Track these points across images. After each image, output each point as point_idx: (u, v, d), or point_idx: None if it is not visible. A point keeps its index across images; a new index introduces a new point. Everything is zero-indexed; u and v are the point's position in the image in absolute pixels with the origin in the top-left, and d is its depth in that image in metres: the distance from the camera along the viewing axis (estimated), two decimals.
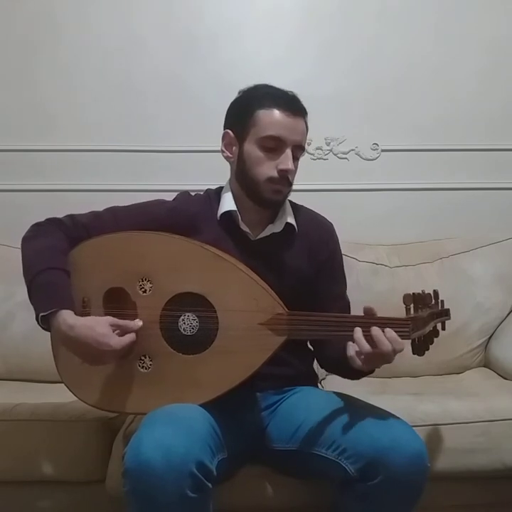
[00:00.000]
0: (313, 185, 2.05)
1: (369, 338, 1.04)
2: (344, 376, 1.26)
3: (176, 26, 2.10)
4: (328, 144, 2.14)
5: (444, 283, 1.89)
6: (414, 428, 1.09)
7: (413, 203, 2.16)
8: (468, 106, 2.14)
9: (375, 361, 1.06)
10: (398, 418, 1.11)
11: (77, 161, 2.11)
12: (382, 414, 1.12)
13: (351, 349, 1.06)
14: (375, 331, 1.04)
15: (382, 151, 2.15)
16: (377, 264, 1.94)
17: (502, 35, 2.14)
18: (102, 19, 2.09)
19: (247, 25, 2.10)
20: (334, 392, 1.25)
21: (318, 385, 1.41)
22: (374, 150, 2.15)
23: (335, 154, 2.15)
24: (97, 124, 2.11)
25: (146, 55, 2.10)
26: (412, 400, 1.44)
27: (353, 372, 1.15)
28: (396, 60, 2.13)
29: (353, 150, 2.15)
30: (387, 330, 1.04)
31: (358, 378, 1.23)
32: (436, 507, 1.35)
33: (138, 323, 1.15)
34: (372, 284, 1.89)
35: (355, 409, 1.15)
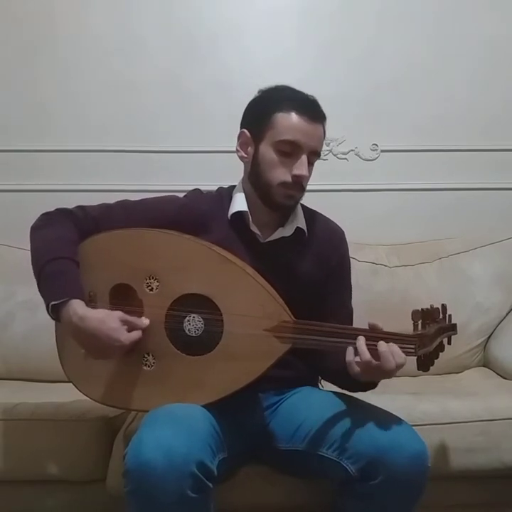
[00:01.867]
0: (313, 186, 2.01)
1: (373, 350, 1.03)
2: (342, 387, 1.25)
3: (176, 26, 2.10)
4: (327, 145, 2.14)
5: (444, 283, 1.89)
6: (413, 428, 1.09)
7: (413, 203, 2.16)
8: (467, 106, 2.14)
9: (375, 374, 1.05)
10: (399, 418, 1.11)
11: (77, 161, 2.11)
12: (382, 414, 1.12)
13: (350, 354, 1.06)
14: (382, 346, 1.03)
15: (382, 151, 2.15)
16: (376, 264, 1.94)
17: (501, 35, 2.13)
18: (102, 19, 2.09)
19: (247, 25, 2.10)
20: (335, 392, 1.25)
21: (319, 385, 1.41)
22: (373, 150, 2.15)
23: (334, 155, 2.15)
24: (97, 124, 2.11)
25: (146, 55, 2.10)
26: (411, 399, 1.44)
27: (351, 383, 1.14)
28: (396, 60, 2.13)
29: (352, 150, 2.15)
30: (390, 344, 1.04)
31: (356, 391, 1.22)
32: (436, 506, 1.35)
33: (145, 321, 1.14)
34: (371, 284, 1.89)
35: (356, 409, 1.15)
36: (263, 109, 1.22)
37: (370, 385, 1.17)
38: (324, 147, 2.11)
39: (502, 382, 1.75)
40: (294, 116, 1.18)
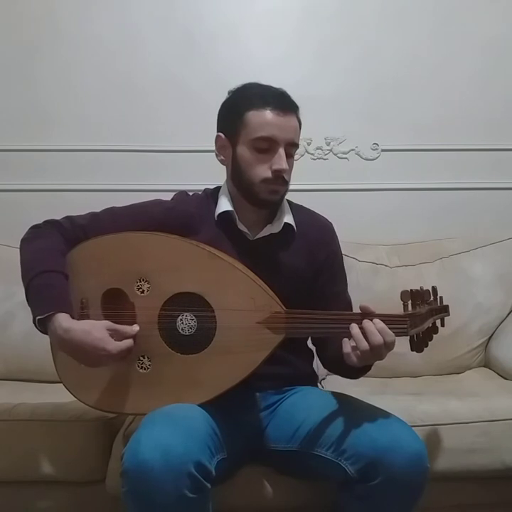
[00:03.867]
0: (313, 185, 2.05)
1: (363, 332, 1.04)
2: (344, 376, 1.26)
3: (176, 26, 2.10)
4: (328, 144, 2.14)
5: (444, 283, 1.88)
6: (414, 428, 1.09)
7: (413, 203, 2.16)
8: (468, 106, 2.14)
9: (368, 356, 1.05)
10: (398, 418, 1.11)
11: (77, 161, 2.11)
12: (382, 415, 1.12)
13: (347, 346, 1.06)
14: (366, 323, 1.04)
15: (382, 151, 2.15)
16: (377, 264, 1.94)
17: (502, 34, 2.13)
18: (102, 19, 2.09)
19: (247, 25, 2.10)
20: (334, 393, 1.25)
21: (318, 385, 1.41)
22: (374, 150, 2.15)
23: (335, 154, 2.15)
24: (97, 123, 2.11)
25: (146, 55, 2.10)
26: (412, 399, 1.44)
27: (351, 371, 1.15)
28: (396, 59, 2.13)
29: (353, 150, 2.15)
30: (376, 321, 1.04)
31: (357, 377, 1.22)
32: (436, 507, 1.35)
33: (134, 328, 1.14)
34: (372, 284, 1.89)
35: (355, 410, 1.15)
36: (234, 110, 1.22)
37: (366, 369, 1.18)
38: (325, 146, 2.14)
39: (503, 382, 1.74)
40: (265, 112, 1.18)
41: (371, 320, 1.05)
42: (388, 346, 1.04)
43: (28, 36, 2.09)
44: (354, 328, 1.05)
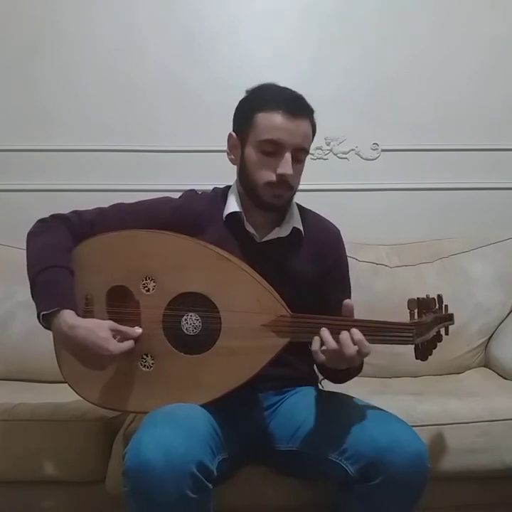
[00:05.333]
0: (313, 185, 2.05)
1: (337, 338, 1.04)
2: (329, 379, 1.26)
3: (176, 26, 2.10)
4: (328, 144, 2.14)
5: (444, 283, 1.89)
6: (414, 428, 1.09)
7: (413, 203, 2.16)
8: (468, 106, 2.14)
9: (339, 361, 1.05)
10: (398, 418, 1.11)
11: (77, 161, 2.11)
12: (382, 415, 1.12)
13: (316, 343, 1.05)
14: (343, 334, 1.04)
15: (382, 151, 2.15)
16: (377, 264, 1.94)
17: (502, 34, 2.13)
18: (103, 19, 2.09)
19: (247, 25, 2.10)
20: (334, 393, 1.26)
21: (319, 385, 1.41)
22: (374, 150, 2.15)
23: (335, 154, 2.15)
24: (97, 123, 2.11)
25: (146, 55, 2.10)
26: (412, 399, 1.44)
27: (330, 373, 1.15)
28: (396, 59, 2.13)
29: (353, 150, 2.15)
30: (354, 331, 1.03)
31: (341, 382, 1.23)
32: (436, 507, 1.35)
33: (137, 330, 1.14)
34: (372, 284, 1.89)
35: (356, 410, 1.15)
36: (246, 110, 1.21)
37: (350, 376, 1.19)
38: (325, 146, 2.14)
39: (503, 382, 1.74)
40: (274, 115, 1.16)
41: (348, 330, 1.04)
42: (362, 356, 1.04)
43: (28, 36, 2.09)
44: (324, 330, 1.05)
